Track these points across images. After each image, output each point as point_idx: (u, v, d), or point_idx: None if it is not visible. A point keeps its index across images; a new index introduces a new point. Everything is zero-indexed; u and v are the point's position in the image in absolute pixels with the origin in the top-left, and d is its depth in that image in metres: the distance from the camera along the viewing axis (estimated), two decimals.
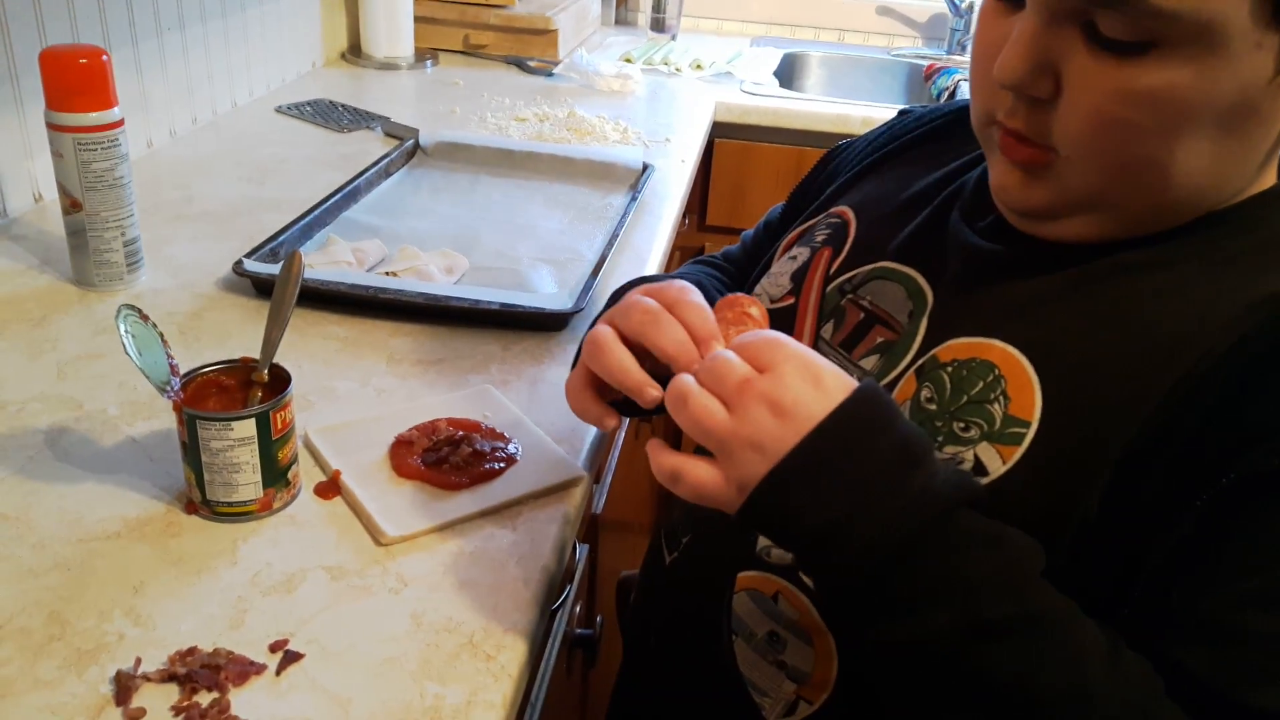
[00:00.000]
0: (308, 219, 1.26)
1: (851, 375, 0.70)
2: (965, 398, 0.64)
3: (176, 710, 0.62)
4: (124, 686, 0.63)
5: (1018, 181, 0.65)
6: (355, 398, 0.96)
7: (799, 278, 0.79)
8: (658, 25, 2.66)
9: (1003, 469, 0.62)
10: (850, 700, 0.69)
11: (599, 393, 0.68)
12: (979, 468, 0.62)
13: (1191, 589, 0.57)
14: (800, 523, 0.56)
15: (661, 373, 0.63)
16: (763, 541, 0.73)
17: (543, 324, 1.10)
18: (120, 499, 0.79)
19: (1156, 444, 0.58)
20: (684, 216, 1.86)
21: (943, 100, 2.39)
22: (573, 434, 0.92)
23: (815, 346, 0.75)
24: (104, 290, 1.11)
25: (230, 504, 0.77)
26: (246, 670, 0.65)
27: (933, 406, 0.66)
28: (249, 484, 0.77)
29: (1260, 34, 0.55)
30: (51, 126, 1.05)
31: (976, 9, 2.11)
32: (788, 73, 2.58)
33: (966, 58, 2.49)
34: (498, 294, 1.11)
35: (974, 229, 0.71)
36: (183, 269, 1.18)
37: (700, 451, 0.60)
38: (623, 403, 0.70)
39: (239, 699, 0.63)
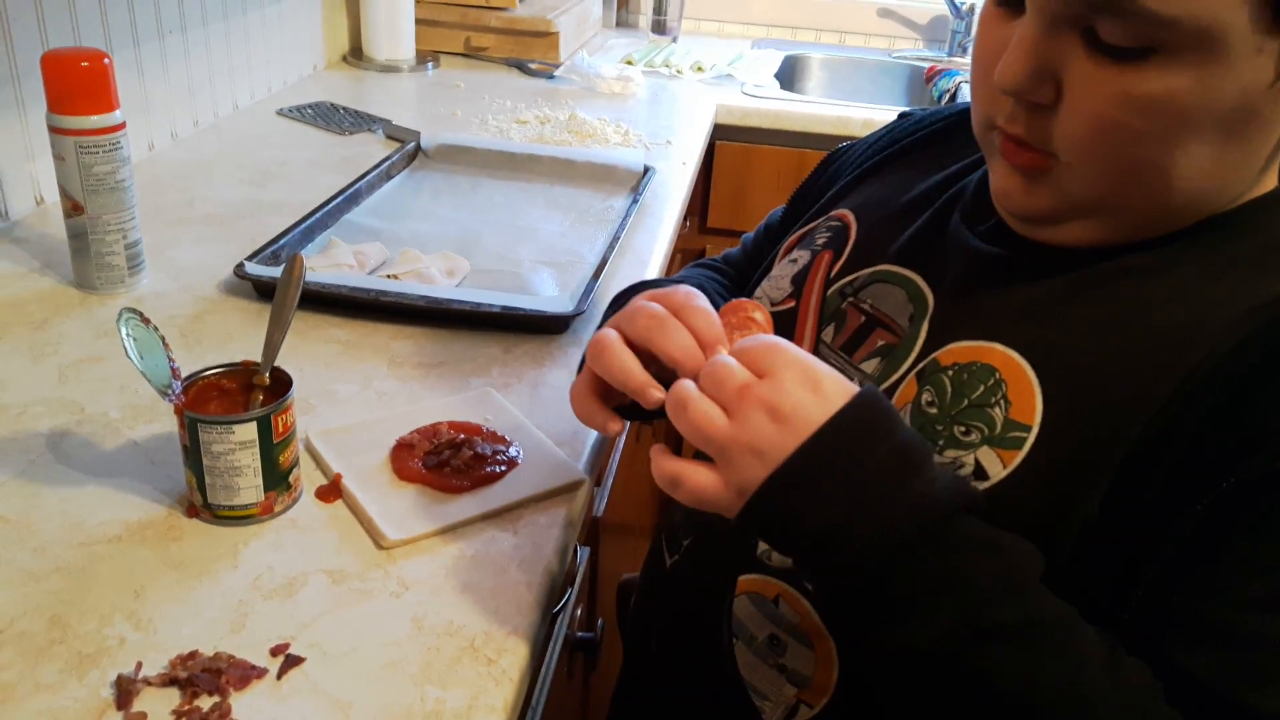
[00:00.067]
0: (309, 222, 1.26)
1: (852, 378, 0.70)
2: (966, 401, 0.64)
3: (178, 714, 0.62)
4: (125, 691, 0.63)
5: (1019, 187, 0.65)
6: (356, 401, 0.96)
7: (800, 281, 0.79)
8: (659, 27, 2.66)
9: (1003, 473, 0.62)
10: (851, 704, 0.69)
11: (603, 398, 0.68)
12: (979, 472, 0.62)
13: (1193, 592, 0.57)
14: (799, 526, 0.56)
15: (667, 378, 0.63)
16: (763, 545, 0.73)
17: (544, 327, 1.10)
18: (121, 502, 0.79)
19: (1158, 447, 0.58)
20: (685, 219, 1.86)
21: (944, 102, 2.39)
22: (574, 437, 0.92)
23: (816, 350, 0.75)
24: (105, 293, 1.11)
25: (231, 507, 0.77)
26: (248, 674, 0.65)
27: (933, 410, 0.66)
28: (250, 487, 0.77)
29: (1260, 39, 0.55)
30: (53, 129, 1.05)
31: (977, 11, 2.11)
32: (789, 75, 2.58)
33: (967, 60, 2.49)
34: (499, 297, 1.11)
35: (975, 232, 0.71)
36: (184, 272, 1.18)
37: (700, 456, 0.60)
38: (627, 408, 0.70)
39: (240, 703, 0.63)
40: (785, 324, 0.77)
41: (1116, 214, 0.63)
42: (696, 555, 0.79)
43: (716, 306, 0.68)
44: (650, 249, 1.36)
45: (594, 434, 0.93)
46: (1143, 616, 0.58)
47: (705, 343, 0.63)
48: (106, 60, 1.05)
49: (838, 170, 0.90)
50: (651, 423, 1.58)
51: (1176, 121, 0.57)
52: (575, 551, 0.89)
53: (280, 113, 1.78)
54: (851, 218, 0.80)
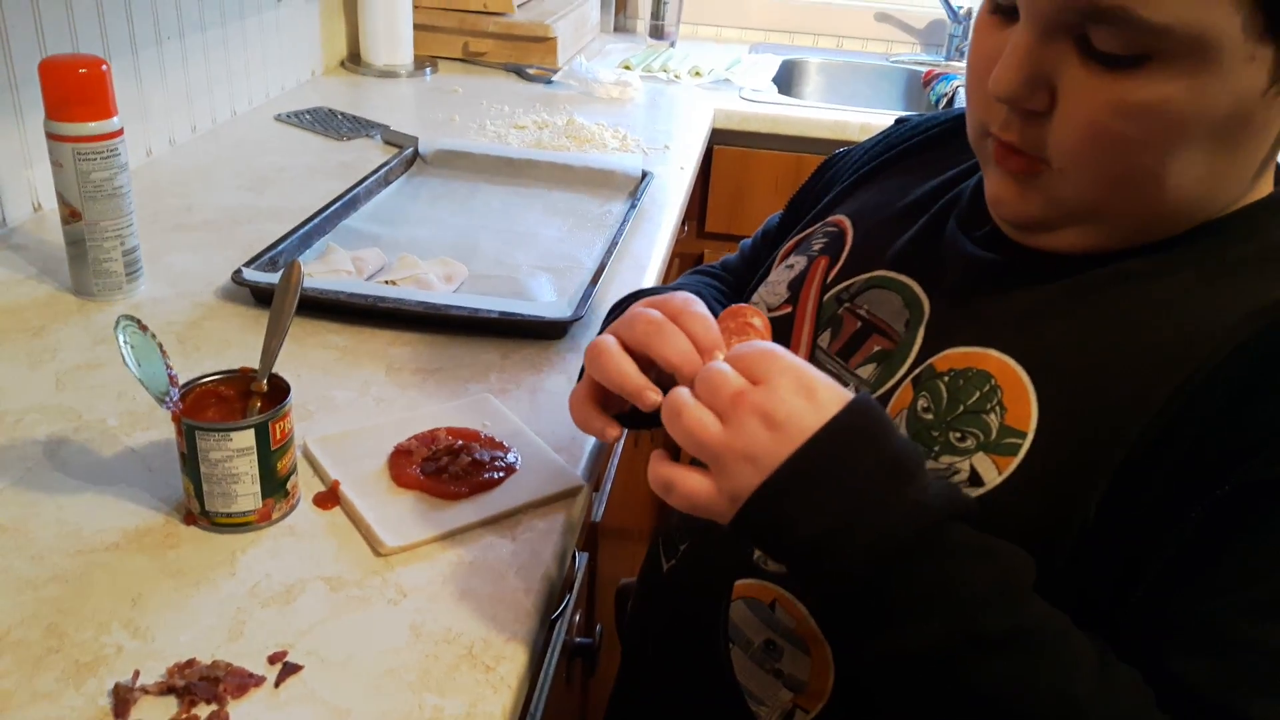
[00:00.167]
0: (307, 228, 1.26)
1: (848, 384, 0.71)
2: (961, 407, 0.64)
3: None
4: (122, 699, 0.63)
5: (1013, 193, 0.65)
6: (354, 407, 0.96)
7: (796, 286, 0.79)
8: (656, 32, 2.67)
9: (998, 479, 0.62)
10: (846, 709, 0.69)
11: (602, 405, 0.68)
12: (975, 478, 0.62)
13: (1190, 598, 0.57)
14: (792, 534, 0.56)
15: (667, 384, 0.63)
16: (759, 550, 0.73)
17: (542, 332, 1.10)
18: (119, 510, 0.79)
19: (1155, 453, 0.58)
20: (683, 224, 1.86)
21: (941, 106, 2.39)
22: (572, 443, 0.92)
23: (812, 355, 0.75)
24: (103, 300, 1.11)
25: (229, 515, 0.77)
26: (245, 682, 0.65)
27: (929, 416, 0.66)
28: (248, 494, 0.77)
29: (1253, 47, 0.55)
30: (51, 136, 1.05)
31: (974, 15, 2.12)
32: (786, 79, 2.58)
33: (964, 64, 2.49)
34: (497, 302, 1.11)
35: (971, 238, 0.71)
36: (182, 278, 1.18)
37: (695, 462, 0.60)
38: (627, 415, 0.70)
39: (238, 711, 0.63)
40: (782, 329, 0.77)
41: (1111, 220, 0.63)
42: (693, 560, 0.80)
43: (715, 313, 0.68)
44: (648, 254, 1.36)
45: (592, 439, 0.93)
46: (1138, 621, 0.58)
47: (703, 348, 0.63)
48: (104, 67, 1.05)
49: (834, 176, 0.90)
50: (652, 429, 1.58)
51: (1170, 129, 0.57)
52: (573, 557, 0.89)
53: (278, 118, 1.78)
54: (848, 223, 0.80)
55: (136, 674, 0.65)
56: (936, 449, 0.64)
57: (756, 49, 2.70)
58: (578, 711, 1.24)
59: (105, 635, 0.68)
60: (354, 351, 1.05)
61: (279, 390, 0.80)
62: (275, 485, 0.78)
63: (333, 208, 1.33)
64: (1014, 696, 0.55)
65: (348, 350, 1.05)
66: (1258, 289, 0.60)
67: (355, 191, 1.40)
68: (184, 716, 0.62)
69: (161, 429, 0.89)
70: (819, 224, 0.83)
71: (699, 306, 0.65)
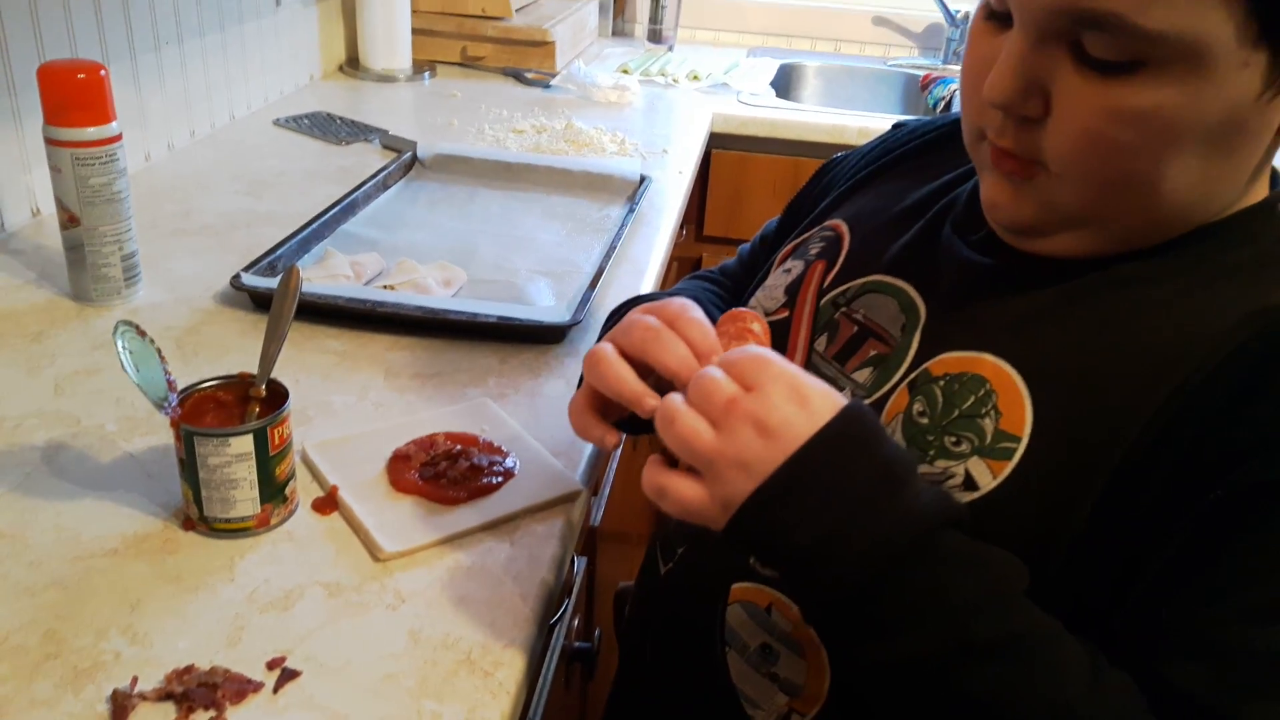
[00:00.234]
0: (305, 232, 1.26)
1: (844, 388, 0.71)
2: (956, 412, 0.65)
3: None
4: (120, 706, 0.63)
5: (1008, 198, 0.66)
6: (353, 412, 0.96)
7: (793, 291, 0.79)
8: (655, 36, 2.67)
9: (993, 484, 0.62)
10: (842, 713, 0.70)
11: (601, 412, 0.68)
12: (969, 482, 0.63)
13: (1184, 602, 0.57)
14: (784, 541, 0.56)
15: (666, 390, 0.63)
16: None
17: (540, 337, 1.10)
18: (117, 516, 0.79)
19: (1150, 457, 0.58)
20: (681, 227, 1.87)
21: (939, 110, 2.39)
22: (571, 447, 0.92)
23: (809, 359, 0.76)
24: (102, 305, 1.11)
25: (228, 520, 0.77)
26: (244, 688, 0.65)
27: (924, 420, 0.66)
28: (246, 500, 0.77)
29: (1247, 53, 0.55)
30: (49, 141, 1.05)
31: (970, 20, 2.11)
32: (784, 83, 2.58)
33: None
34: (495, 307, 1.11)
35: (967, 242, 0.71)
36: (181, 283, 1.18)
37: (691, 468, 0.60)
38: (627, 422, 0.70)
39: (236, 717, 0.63)
40: (778, 334, 0.78)
41: (1105, 225, 0.64)
42: (690, 563, 0.80)
43: (713, 318, 0.68)
44: (647, 258, 1.36)
45: (591, 444, 0.93)
46: (1133, 625, 0.59)
47: (700, 353, 0.63)
48: (103, 72, 1.05)
49: (832, 181, 0.90)
50: (651, 434, 1.58)
51: (1164, 135, 0.57)
52: (572, 562, 0.89)
53: (277, 123, 1.78)
54: (845, 228, 0.80)
55: (135, 680, 0.65)
56: (932, 453, 0.65)
57: (754, 53, 2.70)
58: (577, 716, 1.24)
59: (103, 641, 0.68)
60: (352, 356, 1.05)
61: (277, 395, 0.80)
62: (274, 491, 0.78)
63: (331, 212, 1.33)
64: (1006, 703, 0.55)
65: (346, 355, 1.05)
66: (1254, 293, 0.60)
67: (354, 196, 1.40)
68: None
69: (160, 434, 0.89)
70: (816, 228, 0.83)
71: (696, 312, 0.65)
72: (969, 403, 0.64)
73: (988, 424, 0.63)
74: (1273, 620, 0.55)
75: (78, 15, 1.33)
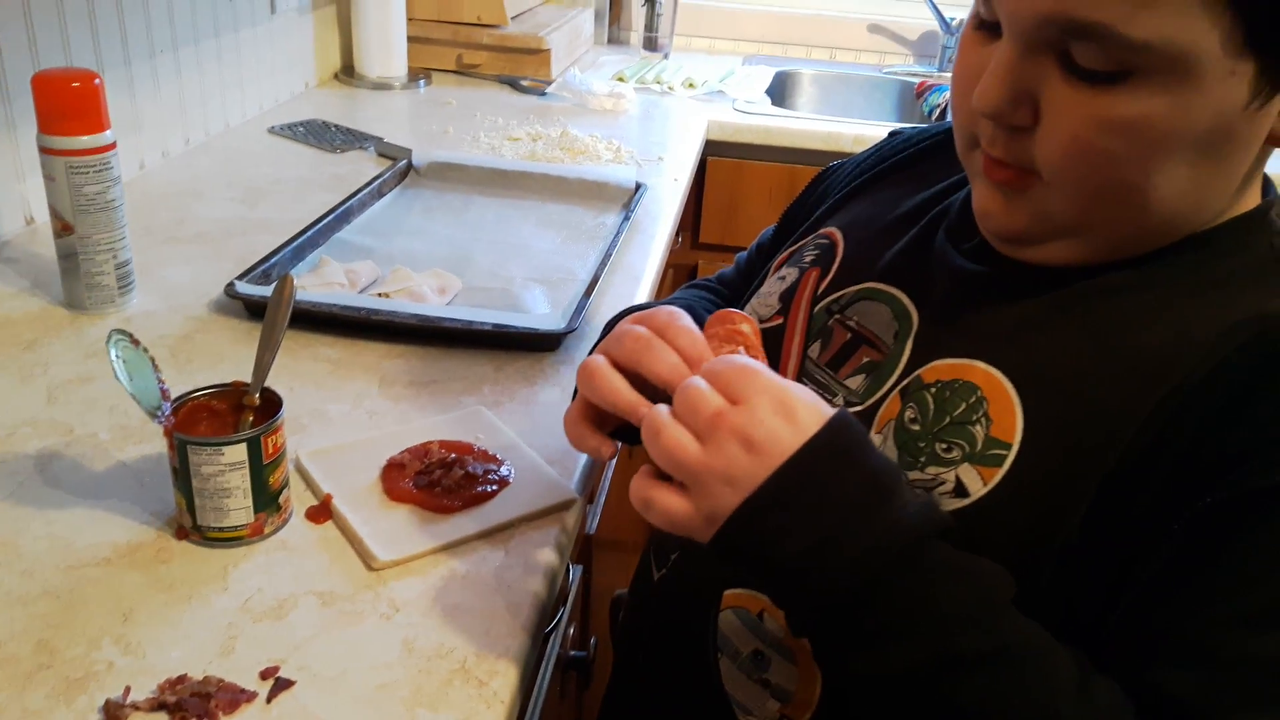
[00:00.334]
0: (300, 240, 1.26)
1: (837, 394, 0.71)
2: (948, 419, 0.65)
3: None
4: (113, 716, 0.63)
5: (1000, 207, 0.66)
6: (347, 420, 0.95)
7: (787, 298, 0.79)
8: (650, 44, 2.67)
9: (983, 490, 0.62)
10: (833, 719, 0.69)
11: (596, 423, 0.68)
12: (960, 489, 0.63)
13: (1174, 609, 0.57)
14: (770, 556, 0.56)
15: (659, 399, 0.63)
16: None
17: (535, 344, 1.10)
18: (110, 525, 0.79)
19: (1139, 466, 0.58)
20: (677, 235, 1.86)
21: (935, 117, 2.40)
22: (566, 455, 0.92)
23: (802, 366, 0.76)
24: (95, 313, 1.11)
25: (221, 529, 0.77)
26: (237, 698, 0.64)
27: (916, 427, 0.66)
28: (240, 509, 0.76)
29: (1233, 62, 0.55)
30: (43, 150, 1.05)
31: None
32: (780, 91, 2.59)
33: None
34: (490, 315, 1.11)
35: (959, 250, 0.72)
36: (175, 291, 1.18)
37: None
38: (624, 431, 0.70)
39: None
40: (772, 341, 0.78)
41: (1096, 234, 0.64)
42: (683, 569, 0.80)
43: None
44: (642, 265, 1.36)
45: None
46: (1124, 632, 0.59)
47: (691, 360, 0.63)
48: (97, 80, 1.05)
49: (827, 189, 0.91)
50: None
51: (1152, 144, 0.58)
52: (567, 570, 0.89)
53: (272, 130, 1.78)
54: (839, 235, 0.80)
55: (128, 690, 0.65)
56: (923, 460, 0.65)
57: (750, 60, 2.70)
58: None
59: (96, 651, 0.68)
60: (347, 364, 1.05)
61: (271, 404, 0.80)
62: (267, 499, 0.78)
63: (326, 220, 1.33)
64: (994, 713, 0.55)
65: (341, 363, 1.05)
66: (1247, 301, 0.60)
67: (349, 204, 1.40)
68: None
69: (153, 443, 0.89)
70: (811, 236, 0.84)
71: (685, 320, 0.65)
72: (960, 409, 0.65)
73: (978, 431, 0.63)
74: (1265, 627, 0.55)
75: (72, 23, 1.33)
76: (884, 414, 0.69)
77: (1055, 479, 0.60)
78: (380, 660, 0.69)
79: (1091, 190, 0.61)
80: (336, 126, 1.83)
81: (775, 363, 0.77)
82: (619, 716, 0.91)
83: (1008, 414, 0.63)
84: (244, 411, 0.80)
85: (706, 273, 1.06)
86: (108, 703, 0.63)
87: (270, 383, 0.81)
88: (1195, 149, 0.58)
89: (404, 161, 1.60)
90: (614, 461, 1.41)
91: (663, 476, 0.60)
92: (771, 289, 0.82)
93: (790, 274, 0.81)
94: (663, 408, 0.60)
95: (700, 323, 0.68)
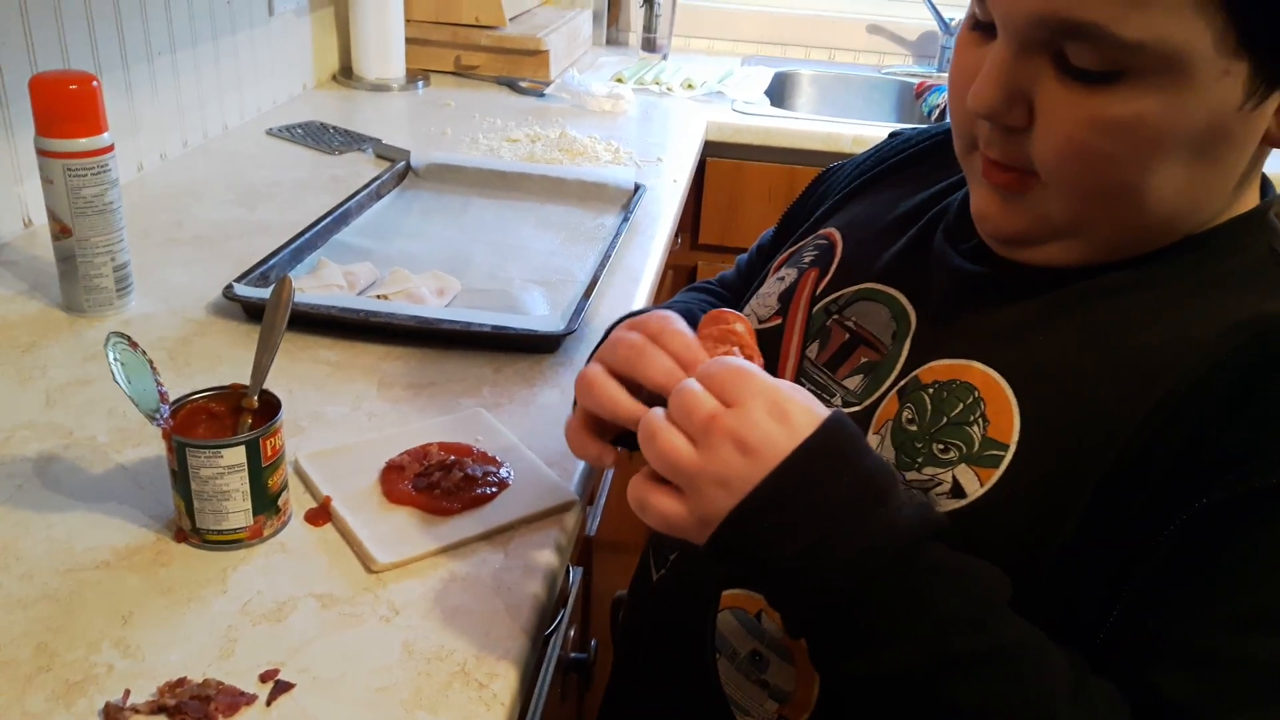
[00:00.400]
0: (299, 242, 1.26)
1: (834, 394, 0.71)
2: (945, 419, 0.65)
3: None
4: (113, 719, 0.62)
5: (997, 208, 0.66)
6: (346, 422, 0.95)
7: (786, 298, 0.79)
8: (649, 45, 2.67)
9: (980, 491, 0.62)
10: None
11: (597, 432, 0.68)
12: (957, 489, 0.63)
13: (1171, 613, 0.57)
14: (765, 558, 0.56)
15: (658, 404, 0.63)
16: None
17: (535, 346, 1.10)
18: (109, 528, 0.79)
19: (1137, 466, 0.58)
20: (676, 236, 1.86)
21: (934, 117, 2.40)
22: (565, 457, 0.92)
23: (800, 366, 0.76)
24: (94, 316, 1.11)
25: (220, 532, 0.77)
26: (237, 701, 0.64)
27: (914, 428, 0.66)
28: (239, 512, 0.76)
29: (1227, 62, 0.55)
30: (41, 152, 1.05)
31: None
32: (779, 92, 2.59)
33: None
34: (489, 316, 1.11)
35: (958, 250, 0.72)
36: (173, 294, 1.17)
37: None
38: (625, 438, 0.70)
39: None
40: (771, 341, 0.78)
41: (1093, 234, 0.64)
42: (682, 569, 0.80)
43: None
44: (642, 266, 1.36)
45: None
46: (1121, 633, 0.59)
47: (685, 363, 0.63)
48: (95, 83, 1.04)
49: (827, 190, 0.91)
50: None
51: (1147, 144, 0.58)
52: (567, 572, 0.89)
53: (270, 133, 1.78)
54: (838, 236, 0.80)
55: (127, 693, 0.64)
56: (920, 460, 0.65)
57: (749, 61, 2.70)
58: None
59: (96, 654, 0.68)
60: (346, 366, 1.05)
61: (270, 406, 0.79)
62: (266, 502, 0.78)
63: (324, 222, 1.33)
64: (990, 714, 0.55)
65: (339, 365, 1.05)
66: (1245, 302, 0.60)
67: (347, 206, 1.40)
68: None
69: (152, 446, 0.88)
70: (810, 237, 0.84)
71: (678, 324, 0.65)
72: (957, 410, 0.65)
73: (975, 431, 0.63)
74: (1261, 630, 0.55)
75: (70, 25, 1.33)
76: (882, 414, 0.69)
77: (1052, 479, 0.60)
78: (380, 663, 0.68)
79: (1088, 190, 0.61)
80: (335, 128, 1.83)
81: (774, 363, 0.77)
82: (618, 717, 0.91)
83: (1005, 415, 0.63)
84: (243, 414, 0.80)
85: (706, 273, 1.07)
86: (107, 706, 0.63)
87: (269, 385, 0.80)
88: (1190, 149, 0.58)
89: (402, 163, 1.60)
90: None
91: (659, 479, 0.60)
92: (770, 289, 0.82)
93: (789, 275, 0.81)
94: (658, 411, 0.60)
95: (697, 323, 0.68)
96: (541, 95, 2.18)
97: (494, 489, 0.85)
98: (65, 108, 1.04)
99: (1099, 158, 0.59)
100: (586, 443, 0.68)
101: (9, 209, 1.28)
